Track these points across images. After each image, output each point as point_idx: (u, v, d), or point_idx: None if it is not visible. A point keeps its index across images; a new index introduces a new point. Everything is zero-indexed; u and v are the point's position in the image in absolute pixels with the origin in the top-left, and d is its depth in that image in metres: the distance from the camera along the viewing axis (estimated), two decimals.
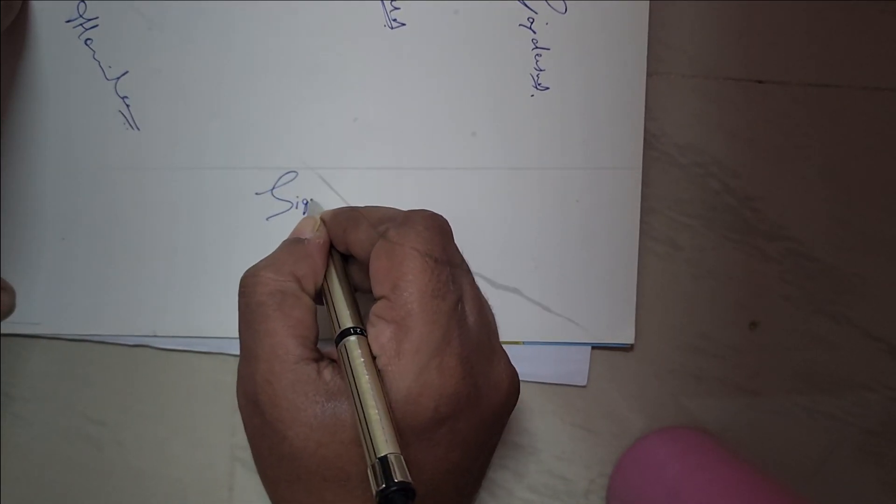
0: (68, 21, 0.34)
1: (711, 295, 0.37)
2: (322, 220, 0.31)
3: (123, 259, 0.36)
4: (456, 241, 0.29)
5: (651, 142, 0.36)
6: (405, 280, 0.26)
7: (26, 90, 0.35)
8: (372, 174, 0.35)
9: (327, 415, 0.25)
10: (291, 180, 0.35)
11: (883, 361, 0.37)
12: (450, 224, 0.29)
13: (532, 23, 0.34)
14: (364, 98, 0.35)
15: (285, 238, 0.31)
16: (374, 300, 0.27)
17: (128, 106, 0.35)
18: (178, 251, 0.36)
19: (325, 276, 0.29)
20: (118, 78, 0.35)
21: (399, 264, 0.26)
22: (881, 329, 0.37)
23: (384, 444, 0.23)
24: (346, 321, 0.27)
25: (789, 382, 0.37)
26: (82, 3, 0.34)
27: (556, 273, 0.36)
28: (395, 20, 0.34)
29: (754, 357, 0.37)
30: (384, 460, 0.22)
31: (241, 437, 0.37)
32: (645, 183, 0.36)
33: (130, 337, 0.36)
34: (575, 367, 0.37)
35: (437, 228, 0.28)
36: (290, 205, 0.36)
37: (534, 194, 0.36)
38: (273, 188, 0.36)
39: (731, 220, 0.37)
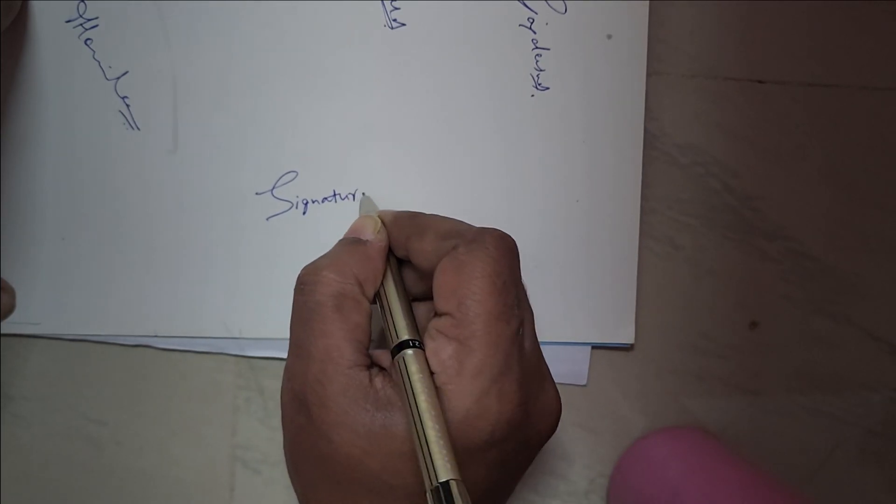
0: (68, 21, 0.34)
1: (711, 295, 0.37)
2: (382, 221, 0.30)
3: (123, 259, 0.36)
4: None
5: (651, 142, 0.36)
6: (472, 300, 0.25)
7: (26, 90, 0.35)
8: (372, 174, 0.35)
9: (376, 424, 0.25)
10: (291, 180, 0.35)
11: (884, 361, 0.37)
12: (518, 246, 0.28)
13: (532, 23, 0.35)
14: (364, 98, 0.35)
15: (342, 236, 0.31)
16: (431, 312, 0.27)
17: (128, 106, 0.35)
18: (179, 251, 0.36)
19: (382, 282, 0.29)
20: (118, 78, 0.35)
21: (467, 283, 0.26)
22: (882, 329, 0.37)
23: (445, 468, 0.23)
24: (404, 332, 0.27)
25: (790, 382, 0.37)
26: (82, 3, 0.34)
27: (556, 273, 0.36)
28: (395, 20, 0.34)
29: (755, 357, 0.37)
30: (446, 486, 0.22)
31: (242, 437, 0.37)
32: (645, 183, 0.36)
33: (130, 337, 0.36)
34: (575, 367, 0.37)
35: (507, 250, 0.27)
36: (290, 205, 0.36)
37: (534, 194, 0.36)
38: (273, 188, 0.36)
39: (732, 219, 0.37)
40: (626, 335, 0.36)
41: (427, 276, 0.28)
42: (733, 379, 0.37)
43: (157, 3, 0.34)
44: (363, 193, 0.35)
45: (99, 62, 0.34)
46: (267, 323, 0.36)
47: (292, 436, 0.27)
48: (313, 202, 0.36)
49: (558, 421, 0.28)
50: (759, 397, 0.37)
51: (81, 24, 0.34)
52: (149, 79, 0.35)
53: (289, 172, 0.35)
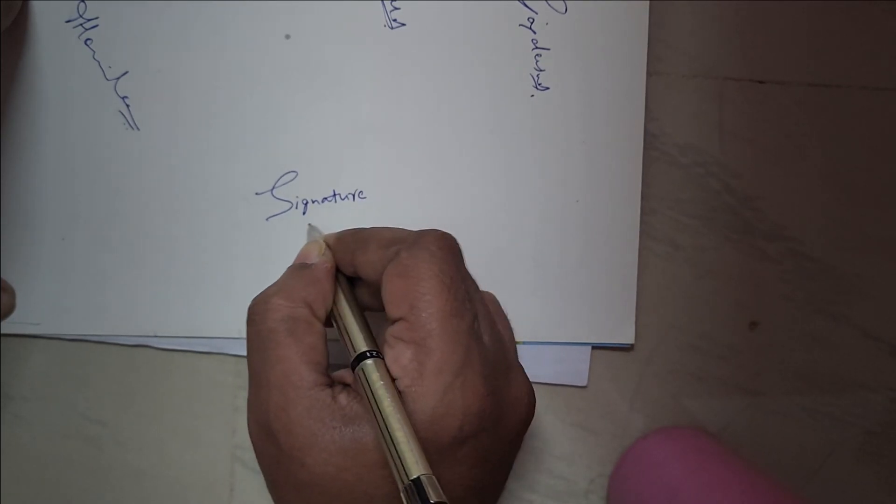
0: (68, 21, 0.34)
1: (711, 295, 0.37)
2: (326, 243, 0.31)
3: (123, 259, 0.36)
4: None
5: (651, 142, 0.36)
6: (423, 300, 0.26)
7: (26, 90, 0.35)
8: (371, 174, 0.35)
9: (346, 439, 0.25)
10: (291, 180, 0.35)
11: (883, 361, 0.37)
12: (458, 242, 0.29)
13: (532, 23, 0.34)
14: (364, 98, 0.35)
15: (290, 262, 0.31)
16: (387, 321, 0.27)
17: (128, 106, 0.35)
18: (179, 251, 0.36)
19: (334, 301, 0.29)
20: (118, 78, 0.35)
21: (415, 285, 0.26)
22: (881, 329, 0.37)
23: (415, 465, 0.23)
24: (361, 345, 0.27)
25: (789, 382, 0.37)
26: (82, 3, 0.34)
27: (556, 273, 0.36)
28: (395, 20, 0.34)
29: (754, 357, 0.37)
30: (418, 482, 0.22)
31: (242, 437, 0.37)
32: (645, 183, 0.36)
33: (130, 337, 0.36)
34: (575, 367, 0.37)
35: (448, 248, 0.27)
36: (289, 205, 0.36)
37: (534, 194, 0.36)
38: (273, 188, 0.36)
39: (732, 220, 0.37)
40: (626, 335, 0.36)
41: (378, 288, 0.28)
42: (733, 379, 0.37)
43: (156, 3, 0.34)
44: (308, 224, 0.35)
45: (99, 62, 0.34)
46: None
47: (267, 466, 0.27)
48: (313, 202, 0.36)
49: (532, 410, 0.28)
50: (759, 397, 0.37)
51: (81, 24, 0.34)
52: (149, 79, 0.35)
53: (288, 172, 0.35)
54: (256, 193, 0.36)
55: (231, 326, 0.36)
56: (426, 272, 0.26)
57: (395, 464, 0.23)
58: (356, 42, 0.35)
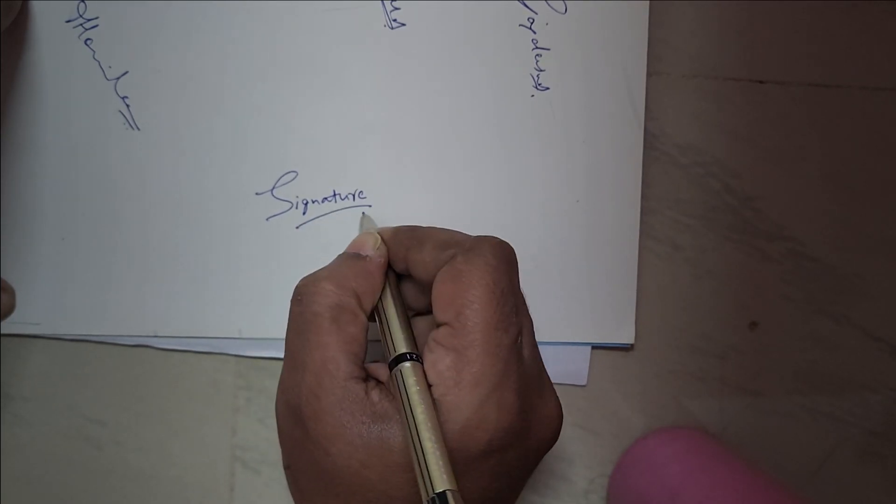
0: (68, 21, 0.34)
1: (711, 295, 0.37)
2: (381, 237, 0.30)
3: (123, 259, 0.36)
4: None
5: (651, 142, 0.36)
6: (470, 309, 0.25)
7: (26, 90, 0.35)
8: (371, 174, 0.35)
9: (373, 437, 0.25)
10: (291, 180, 0.35)
11: (884, 362, 0.37)
12: (516, 254, 0.28)
13: (532, 23, 0.34)
14: (364, 98, 0.35)
15: (343, 251, 0.30)
16: (434, 324, 0.27)
17: (128, 106, 0.35)
18: (179, 251, 0.36)
19: (380, 297, 0.29)
20: (118, 78, 0.35)
21: (465, 292, 0.26)
22: (882, 329, 0.37)
23: (441, 479, 0.23)
24: (402, 345, 0.27)
25: (790, 383, 0.37)
26: (82, 3, 0.34)
27: (556, 273, 0.36)
28: (395, 20, 0.34)
29: (755, 357, 0.37)
30: (443, 497, 0.22)
31: (242, 437, 0.37)
32: (645, 183, 0.36)
33: (130, 337, 0.36)
34: (575, 367, 0.37)
35: (504, 258, 0.27)
36: (290, 205, 0.36)
37: (534, 194, 0.36)
38: (273, 188, 0.36)
39: (732, 220, 0.37)
40: (626, 335, 0.36)
41: (427, 289, 0.28)
42: (733, 379, 0.37)
43: (156, 3, 0.34)
44: (363, 213, 0.35)
45: (99, 62, 0.34)
46: (267, 323, 0.36)
47: (289, 448, 0.27)
48: (313, 202, 0.36)
49: (559, 430, 0.28)
50: (759, 397, 0.37)
51: (81, 24, 0.34)
52: (149, 79, 0.35)
53: (289, 172, 0.35)
54: (256, 193, 0.36)
55: (231, 326, 0.36)
56: (478, 280, 0.26)
57: (421, 474, 0.23)
58: (356, 42, 0.35)
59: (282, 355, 0.37)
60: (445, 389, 0.25)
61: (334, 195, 0.36)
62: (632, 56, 0.35)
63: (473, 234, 0.29)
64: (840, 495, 0.38)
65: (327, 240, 0.36)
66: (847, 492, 0.38)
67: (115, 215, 0.36)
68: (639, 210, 0.36)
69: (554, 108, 0.35)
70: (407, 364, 0.26)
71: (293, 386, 0.26)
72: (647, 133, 0.36)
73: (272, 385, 0.37)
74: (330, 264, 0.29)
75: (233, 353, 0.37)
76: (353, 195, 0.36)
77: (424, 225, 0.31)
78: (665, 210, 0.37)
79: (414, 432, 0.24)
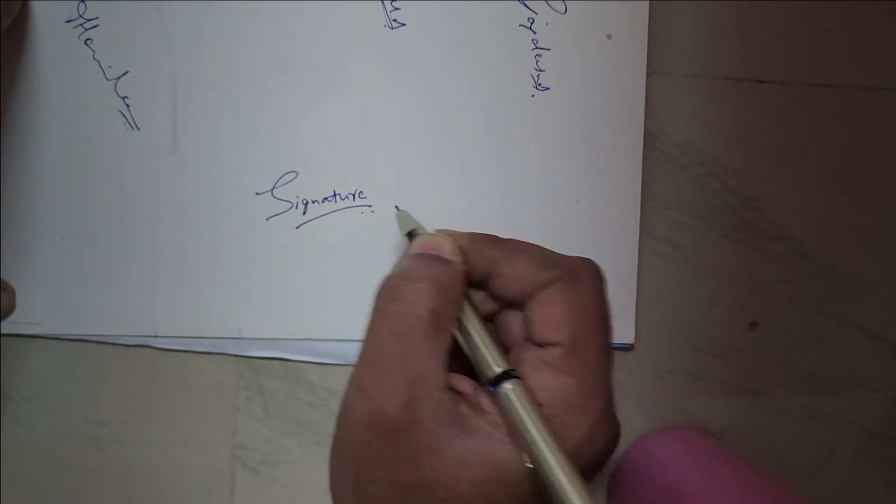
0: (68, 21, 0.34)
1: (711, 295, 0.37)
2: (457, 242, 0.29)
3: (123, 259, 0.36)
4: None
5: (651, 142, 0.36)
6: (588, 334, 0.26)
7: (26, 90, 0.35)
8: (372, 174, 0.35)
9: (468, 450, 0.24)
10: (291, 180, 0.35)
11: (884, 361, 0.37)
12: None
13: (532, 23, 0.34)
14: (364, 98, 0.35)
15: (412, 250, 0.28)
16: (523, 341, 0.27)
17: (128, 106, 0.35)
18: (179, 251, 0.36)
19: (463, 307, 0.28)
20: (118, 78, 0.35)
21: (579, 315, 0.26)
22: (882, 329, 0.37)
23: (583, 499, 0.23)
24: (502, 362, 0.26)
25: (790, 382, 0.37)
26: (82, 3, 0.34)
27: None
28: (395, 20, 0.34)
29: (755, 357, 0.37)
30: None
31: (242, 437, 0.37)
32: (645, 183, 0.36)
33: (130, 337, 0.36)
34: None
35: (602, 280, 0.27)
36: (290, 205, 0.36)
37: (534, 194, 0.36)
38: (273, 188, 0.36)
39: (732, 220, 0.37)
40: (626, 335, 0.36)
41: (506, 301, 0.28)
42: (733, 379, 0.37)
43: (157, 3, 0.34)
44: (396, 207, 0.33)
45: (99, 62, 0.34)
46: (267, 323, 0.36)
47: (362, 459, 0.25)
48: (313, 202, 0.36)
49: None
50: (759, 397, 0.37)
51: (81, 24, 0.34)
52: (149, 79, 0.35)
53: (289, 172, 0.35)
54: (256, 193, 0.36)
55: (231, 326, 0.36)
56: (590, 303, 0.26)
57: (552, 491, 0.23)
58: (356, 42, 0.35)
59: (282, 355, 0.37)
60: (559, 411, 0.25)
61: (334, 195, 0.36)
62: (632, 56, 0.35)
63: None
64: (840, 495, 0.38)
65: (327, 240, 0.36)
66: (847, 491, 0.38)
67: (115, 215, 0.36)
68: (639, 210, 0.36)
69: (554, 109, 0.35)
70: (517, 382, 0.25)
71: (382, 392, 0.25)
72: (647, 133, 0.36)
73: (272, 385, 0.37)
74: (414, 263, 0.27)
75: (233, 353, 0.37)
76: (353, 195, 0.36)
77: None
78: (665, 210, 0.37)
79: (541, 452, 0.24)
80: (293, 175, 0.35)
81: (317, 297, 0.36)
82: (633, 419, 0.37)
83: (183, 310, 0.36)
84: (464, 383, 0.26)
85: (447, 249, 0.28)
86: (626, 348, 0.37)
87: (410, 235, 0.30)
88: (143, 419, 0.37)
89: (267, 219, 0.36)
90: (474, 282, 0.28)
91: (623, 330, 0.36)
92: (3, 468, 0.37)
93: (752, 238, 0.37)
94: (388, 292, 0.26)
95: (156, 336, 0.36)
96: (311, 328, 0.36)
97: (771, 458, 0.38)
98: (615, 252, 0.36)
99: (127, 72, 0.35)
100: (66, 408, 0.37)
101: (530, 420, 0.24)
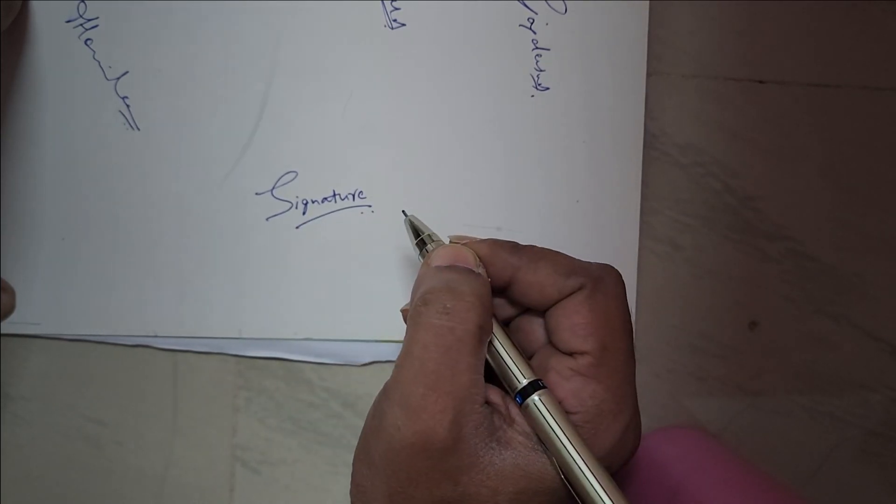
0: (68, 21, 0.34)
1: (711, 295, 0.37)
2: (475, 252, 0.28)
3: (123, 259, 0.36)
4: None
5: (651, 142, 0.36)
6: (617, 343, 0.26)
7: (26, 90, 0.35)
8: (371, 174, 0.35)
9: (506, 463, 0.24)
10: (291, 180, 0.35)
11: (884, 361, 0.37)
12: None
13: (532, 23, 0.34)
14: (364, 98, 0.35)
15: (444, 262, 0.28)
16: (554, 347, 0.27)
17: (128, 106, 0.35)
18: (179, 251, 0.36)
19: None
20: (118, 78, 0.35)
21: (606, 323, 0.26)
22: (882, 329, 0.37)
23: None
24: (529, 372, 0.26)
25: (790, 382, 0.37)
26: (82, 3, 0.34)
27: None
28: (395, 20, 0.34)
29: (755, 357, 0.37)
30: None
31: (242, 437, 0.37)
32: (645, 183, 0.36)
33: (130, 337, 0.36)
34: None
35: (624, 287, 0.27)
36: (289, 205, 0.36)
37: (534, 194, 0.36)
38: (273, 188, 0.36)
39: (732, 220, 0.37)
40: None
41: (527, 307, 0.28)
42: (733, 379, 0.37)
43: (156, 3, 0.34)
44: (404, 212, 0.31)
45: (99, 62, 0.34)
46: (267, 323, 0.36)
47: (401, 477, 0.25)
48: (313, 202, 0.36)
49: None
50: (759, 397, 0.37)
51: (81, 24, 0.34)
52: (149, 79, 0.35)
53: (289, 172, 0.35)
54: (256, 193, 0.36)
55: (231, 326, 0.36)
56: (616, 312, 0.26)
57: (591, 502, 0.24)
58: (356, 42, 0.35)
59: (282, 355, 0.37)
60: (589, 418, 0.25)
61: (334, 195, 0.36)
62: (632, 56, 0.35)
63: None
64: (840, 495, 0.38)
65: (327, 240, 0.36)
66: (847, 491, 0.38)
67: (115, 215, 0.36)
68: (639, 210, 0.36)
69: (554, 109, 0.35)
70: (544, 393, 0.25)
71: (433, 412, 0.24)
72: (647, 133, 0.36)
73: (272, 385, 0.37)
74: (446, 276, 0.27)
75: (233, 353, 0.37)
76: (353, 195, 0.36)
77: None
78: (665, 210, 0.37)
79: (574, 461, 0.24)
80: (293, 175, 0.35)
81: (316, 297, 0.36)
82: None
83: (183, 310, 0.36)
84: (493, 392, 0.26)
85: (471, 260, 0.27)
86: None
87: (420, 241, 0.30)
88: (143, 419, 0.37)
89: (267, 219, 0.36)
90: (494, 289, 0.28)
91: None
92: (3, 468, 0.37)
93: (752, 238, 0.37)
94: (438, 307, 0.25)
95: (156, 336, 0.36)
96: (311, 328, 0.36)
97: (771, 458, 0.38)
98: (615, 252, 0.36)
99: (127, 72, 0.35)
100: (66, 408, 0.37)
101: (561, 430, 0.25)
